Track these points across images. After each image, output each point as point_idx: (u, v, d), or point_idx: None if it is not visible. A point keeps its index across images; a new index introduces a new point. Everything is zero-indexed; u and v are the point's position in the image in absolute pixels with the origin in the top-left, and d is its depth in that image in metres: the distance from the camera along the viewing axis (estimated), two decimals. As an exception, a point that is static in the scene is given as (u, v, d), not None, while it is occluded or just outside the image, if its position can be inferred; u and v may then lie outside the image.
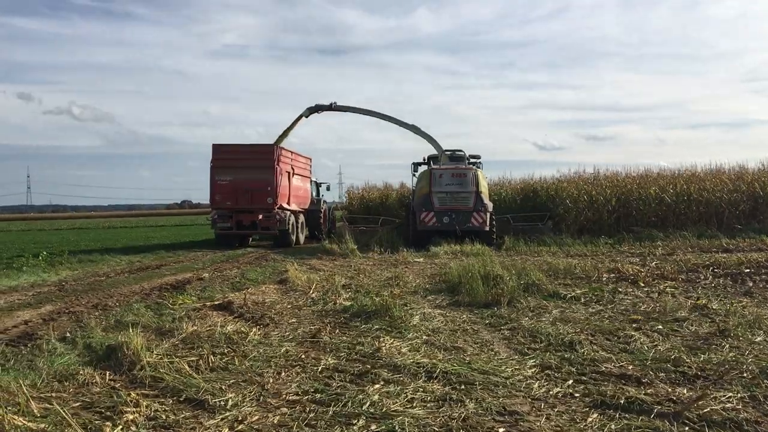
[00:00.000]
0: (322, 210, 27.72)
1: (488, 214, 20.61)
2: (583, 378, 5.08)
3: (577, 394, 4.66)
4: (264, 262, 17.15)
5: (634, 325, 7.18)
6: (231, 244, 22.35)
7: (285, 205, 22.93)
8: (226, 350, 6.23)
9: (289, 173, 23.56)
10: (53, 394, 4.79)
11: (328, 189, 30.56)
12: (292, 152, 24.54)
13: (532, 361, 5.67)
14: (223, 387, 4.94)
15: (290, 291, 11.10)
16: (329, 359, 5.88)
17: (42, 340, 6.82)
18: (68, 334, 7.13)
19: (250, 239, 24.15)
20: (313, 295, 10.36)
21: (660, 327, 7.04)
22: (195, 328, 7.30)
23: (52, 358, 6.06)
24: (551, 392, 4.73)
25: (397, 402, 4.53)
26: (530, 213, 24.42)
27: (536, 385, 4.87)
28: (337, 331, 7.32)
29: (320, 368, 5.53)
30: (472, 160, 23.16)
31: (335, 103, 26.30)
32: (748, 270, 11.89)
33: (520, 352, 6.12)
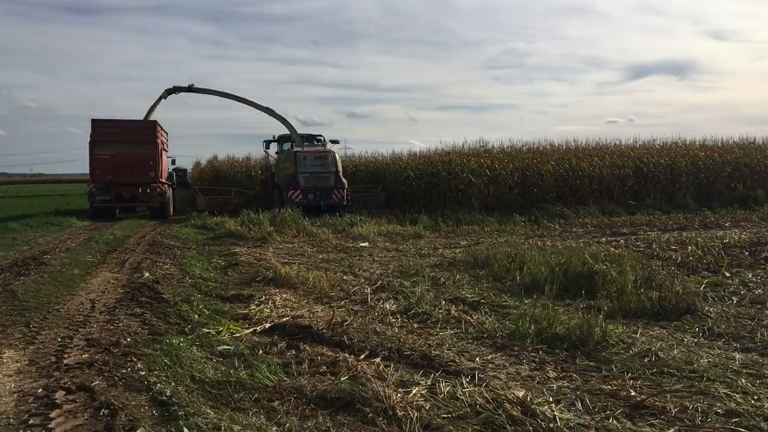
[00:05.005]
0: (174, 183, 28.60)
1: (345, 190, 22.63)
2: None
3: None
4: (169, 251, 13.28)
5: None
6: (108, 216, 22.92)
7: (161, 179, 23.55)
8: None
9: (161, 148, 24.11)
10: None
11: (173, 162, 29.64)
12: (162, 128, 24.81)
13: None
14: None
15: (323, 297, 8.02)
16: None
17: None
18: None
19: (117, 212, 24.31)
20: (387, 306, 7.40)
21: None
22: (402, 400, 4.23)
23: None
24: None
25: None
26: (365, 185, 26.28)
27: None
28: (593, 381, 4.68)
29: None
30: (330, 144, 25.62)
31: (193, 85, 26.68)
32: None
33: None
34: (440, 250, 13.18)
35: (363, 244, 14.51)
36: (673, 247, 11.77)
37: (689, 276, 8.96)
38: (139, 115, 25.13)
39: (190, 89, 26.52)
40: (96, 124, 22.75)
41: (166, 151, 26.13)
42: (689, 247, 11.52)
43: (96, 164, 22.50)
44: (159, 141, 23.43)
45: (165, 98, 26.22)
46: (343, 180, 22.87)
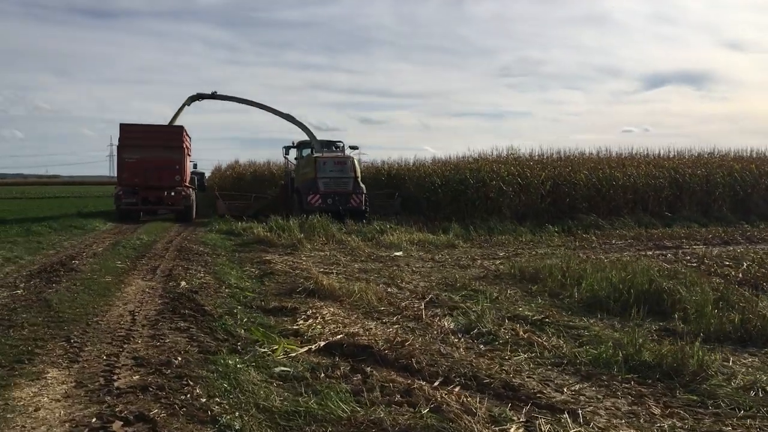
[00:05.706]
0: (195, 186, 28.53)
1: (363, 196, 22.75)
2: None
3: None
4: (199, 257, 12.87)
5: None
6: (133, 219, 23.10)
7: (185, 183, 24.01)
8: None
9: (186, 153, 24.34)
10: None
11: (195, 167, 29.00)
12: (187, 133, 24.91)
13: None
14: None
15: (372, 312, 7.57)
16: None
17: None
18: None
19: (141, 214, 24.43)
20: (445, 324, 6.93)
21: None
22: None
23: None
24: None
25: None
26: (382, 191, 26.01)
27: None
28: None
29: None
30: (350, 150, 25.56)
31: (216, 92, 26.85)
32: None
33: None
34: (479, 261, 12.71)
35: (397, 254, 14.04)
36: (727, 263, 11.22)
37: (758, 296, 8.41)
38: (156, 119, 25.55)
39: (213, 96, 26.59)
40: (124, 128, 22.98)
41: (190, 155, 26.25)
42: (744, 263, 10.97)
43: (123, 167, 22.71)
44: (185, 146, 23.61)
45: (189, 105, 26.30)
46: (362, 185, 23.03)
